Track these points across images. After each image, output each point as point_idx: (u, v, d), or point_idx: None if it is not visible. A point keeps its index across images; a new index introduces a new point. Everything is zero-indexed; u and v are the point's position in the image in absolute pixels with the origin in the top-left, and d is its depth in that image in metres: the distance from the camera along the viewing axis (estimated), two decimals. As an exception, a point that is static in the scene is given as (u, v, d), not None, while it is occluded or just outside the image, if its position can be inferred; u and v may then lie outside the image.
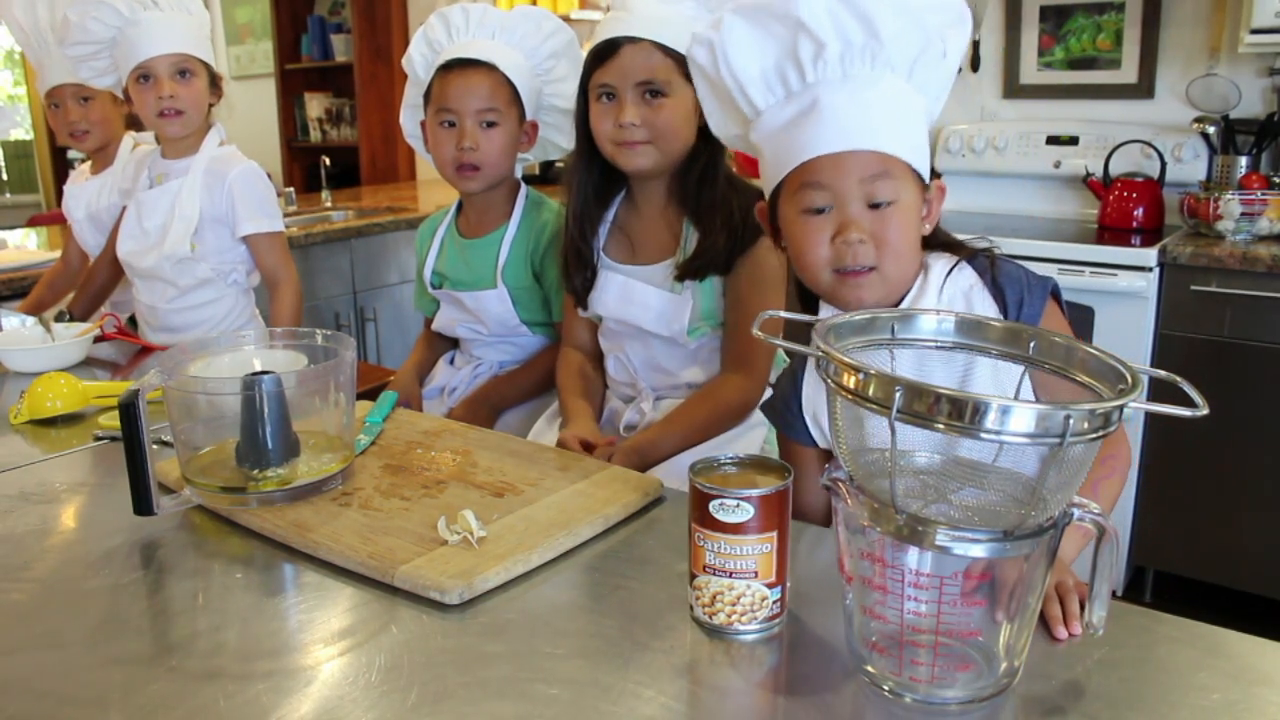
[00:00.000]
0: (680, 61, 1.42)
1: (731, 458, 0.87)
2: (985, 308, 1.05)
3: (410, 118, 1.79)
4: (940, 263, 1.09)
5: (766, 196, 1.10)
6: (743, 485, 0.82)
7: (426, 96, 1.69)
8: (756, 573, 0.81)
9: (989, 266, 1.08)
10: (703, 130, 1.47)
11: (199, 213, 1.91)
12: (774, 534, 0.81)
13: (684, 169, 1.48)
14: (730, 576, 0.81)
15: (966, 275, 1.08)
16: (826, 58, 0.99)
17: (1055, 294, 1.08)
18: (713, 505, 0.80)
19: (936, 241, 1.12)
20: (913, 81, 1.02)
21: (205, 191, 1.92)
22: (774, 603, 0.82)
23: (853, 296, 1.05)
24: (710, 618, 0.83)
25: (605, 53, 1.43)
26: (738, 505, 0.80)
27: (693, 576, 0.84)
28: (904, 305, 1.06)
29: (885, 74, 1.00)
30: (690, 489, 0.83)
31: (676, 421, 1.47)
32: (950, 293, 1.07)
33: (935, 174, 1.09)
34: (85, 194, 2.28)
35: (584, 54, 1.74)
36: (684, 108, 1.44)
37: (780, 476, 0.83)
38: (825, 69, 1.00)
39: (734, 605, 0.82)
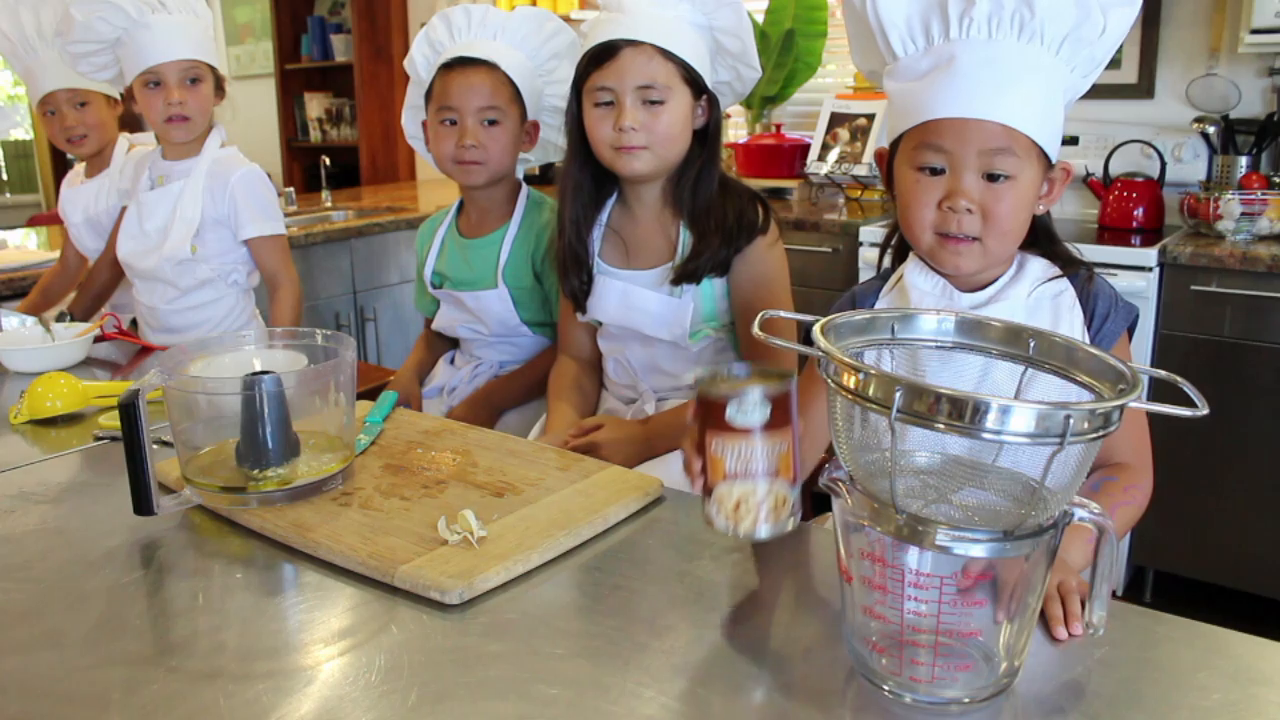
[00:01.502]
0: (680, 66, 1.41)
1: (729, 371, 0.86)
2: (1073, 316, 1.06)
3: (412, 119, 1.79)
4: (1039, 265, 1.09)
5: (888, 143, 1.10)
6: (746, 381, 0.81)
7: (428, 96, 1.69)
8: (778, 471, 0.81)
9: (1086, 281, 1.09)
10: (698, 134, 1.47)
11: (200, 215, 1.91)
12: (789, 430, 0.81)
13: (678, 173, 1.47)
14: (754, 479, 0.81)
15: (1059, 282, 1.09)
16: (974, 16, 0.98)
17: (1131, 325, 1.09)
18: (730, 409, 0.79)
19: (1043, 235, 1.12)
20: (1060, 56, 1.00)
21: (207, 194, 1.92)
22: (794, 503, 0.82)
23: (950, 263, 1.06)
24: (736, 525, 0.82)
25: (603, 55, 1.41)
26: (755, 406, 0.79)
27: (710, 491, 0.83)
28: (995, 290, 1.07)
29: (1032, 45, 0.99)
30: (699, 401, 0.82)
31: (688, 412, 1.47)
32: (1039, 294, 1.07)
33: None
34: (82, 198, 2.27)
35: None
36: (682, 112, 1.43)
37: (783, 378, 0.83)
38: (970, 27, 0.99)
39: (760, 506, 0.82)
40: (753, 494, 0.82)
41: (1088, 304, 1.08)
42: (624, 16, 1.41)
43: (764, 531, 0.83)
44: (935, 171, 1.03)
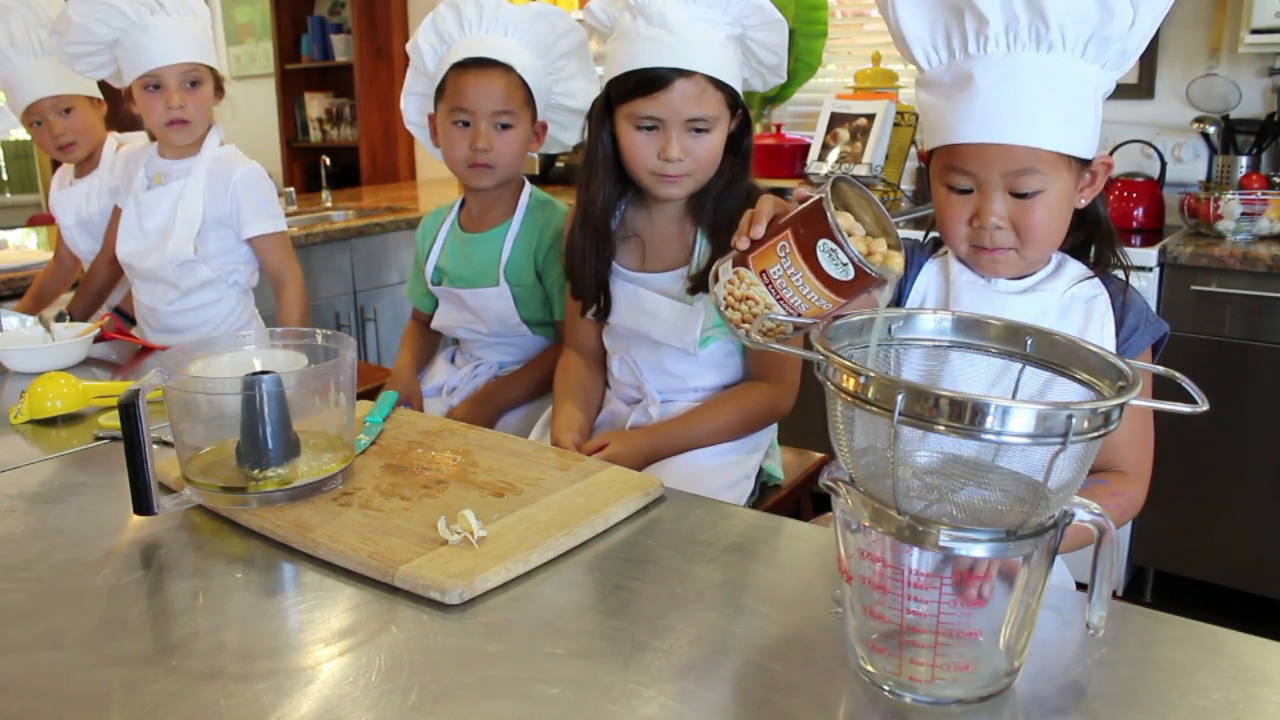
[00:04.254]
0: (727, 93, 1.38)
1: (870, 198, 0.80)
2: (1104, 321, 1.07)
3: (413, 105, 1.77)
4: (1076, 266, 1.11)
5: (925, 149, 1.12)
6: (865, 247, 0.77)
7: (439, 91, 1.67)
8: (800, 314, 0.78)
9: (1121, 290, 1.10)
10: (730, 141, 1.44)
11: (202, 214, 1.91)
12: (844, 303, 0.78)
13: (706, 184, 1.45)
14: (779, 300, 0.77)
15: (1094, 286, 1.10)
16: (989, 33, 0.98)
17: (1157, 343, 1.10)
18: (823, 246, 0.75)
19: (1093, 224, 1.12)
20: (1087, 58, 1.00)
21: (208, 194, 1.92)
22: (786, 340, 0.80)
23: (989, 269, 1.08)
24: (726, 309, 0.80)
25: (653, 84, 1.35)
26: (846, 264, 0.75)
27: (740, 264, 0.79)
28: (1033, 281, 1.09)
29: (1054, 55, 0.98)
30: (818, 206, 0.76)
31: (697, 420, 1.46)
32: (1075, 294, 1.09)
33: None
34: (73, 200, 2.26)
35: (591, 52, 1.72)
36: (723, 136, 1.41)
37: (892, 269, 0.78)
38: (986, 43, 0.99)
39: (761, 321, 0.79)
40: (770, 309, 0.79)
41: (1121, 314, 1.08)
42: (673, 40, 1.34)
43: (744, 338, 0.81)
44: (963, 191, 1.04)
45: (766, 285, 0.79)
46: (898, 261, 0.82)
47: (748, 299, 0.80)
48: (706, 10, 1.36)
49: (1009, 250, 1.05)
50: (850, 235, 0.78)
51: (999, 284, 1.09)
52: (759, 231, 0.83)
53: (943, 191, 1.06)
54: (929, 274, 1.16)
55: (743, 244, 0.83)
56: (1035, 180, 1.01)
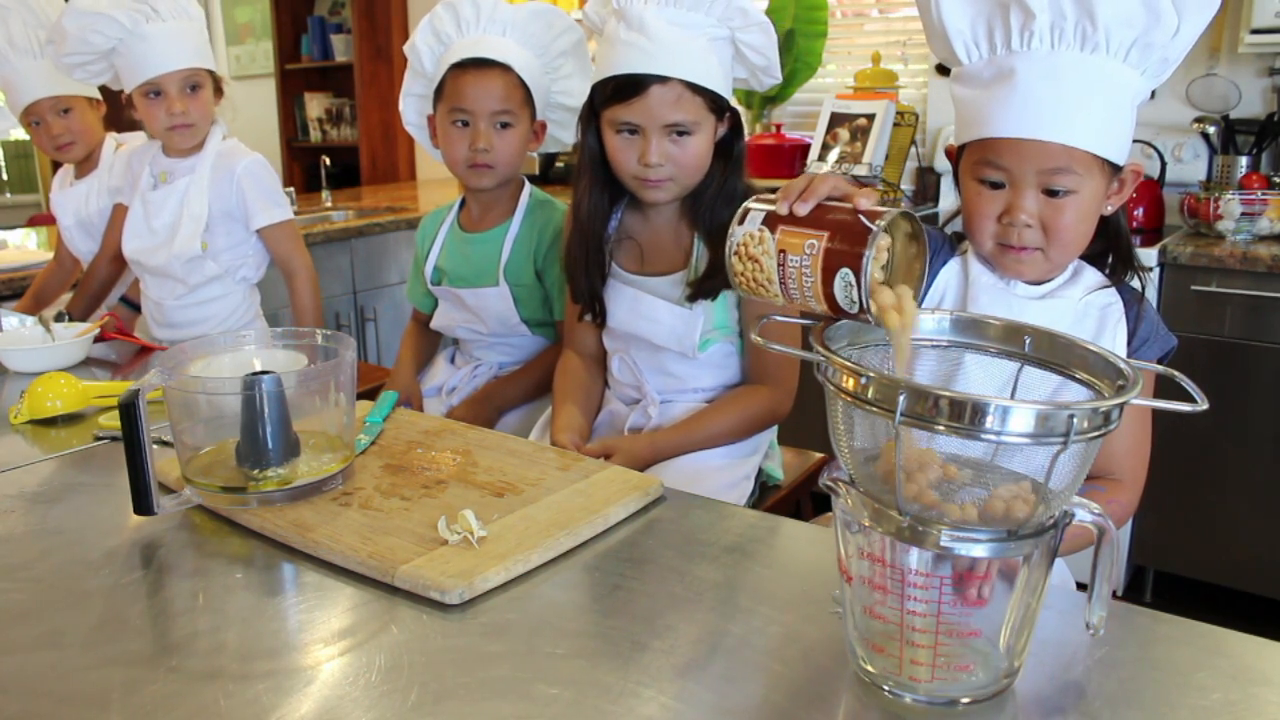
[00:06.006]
0: (707, 97, 1.38)
1: (925, 242, 0.81)
2: (1117, 330, 1.08)
3: (412, 107, 1.77)
4: (1093, 273, 1.11)
5: (956, 143, 1.11)
6: (884, 296, 0.78)
7: (438, 92, 1.67)
8: (793, 303, 0.82)
9: (1136, 301, 1.10)
10: (719, 146, 1.44)
11: (208, 210, 1.92)
12: (833, 319, 0.81)
13: (699, 189, 1.45)
14: (781, 282, 0.80)
15: (1109, 294, 1.10)
16: (1034, 29, 0.98)
17: (1163, 357, 1.11)
18: (842, 275, 0.75)
19: (1113, 233, 1.12)
20: (1129, 62, 0.99)
21: (214, 188, 1.93)
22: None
23: (1013, 270, 1.08)
24: (734, 256, 0.82)
25: (629, 90, 1.36)
26: (854, 303, 0.76)
27: (768, 225, 0.81)
28: (1051, 287, 1.09)
29: (1096, 56, 0.98)
30: (864, 235, 0.76)
31: (698, 425, 1.46)
32: (1090, 301, 1.09)
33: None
34: (72, 201, 2.27)
35: (589, 51, 1.72)
36: (708, 140, 1.40)
37: (906, 326, 0.78)
38: (1031, 39, 0.98)
39: (761, 291, 0.83)
40: (769, 284, 0.81)
41: (1134, 325, 1.08)
42: (650, 45, 1.34)
43: (736, 290, 0.85)
44: (995, 185, 1.04)
45: (779, 265, 0.80)
46: (910, 320, 0.82)
47: (756, 261, 0.81)
48: (687, 14, 1.36)
49: (1035, 250, 1.05)
50: (877, 271, 0.79)
51: (1017, 288, 1.09)
52: (803, 210, 0.82)
53: (973, 187, 1.06)
54: (950, 272, 1.15)
55: (782, 209, 0.83)
56: (1069, 180, 1.01)
